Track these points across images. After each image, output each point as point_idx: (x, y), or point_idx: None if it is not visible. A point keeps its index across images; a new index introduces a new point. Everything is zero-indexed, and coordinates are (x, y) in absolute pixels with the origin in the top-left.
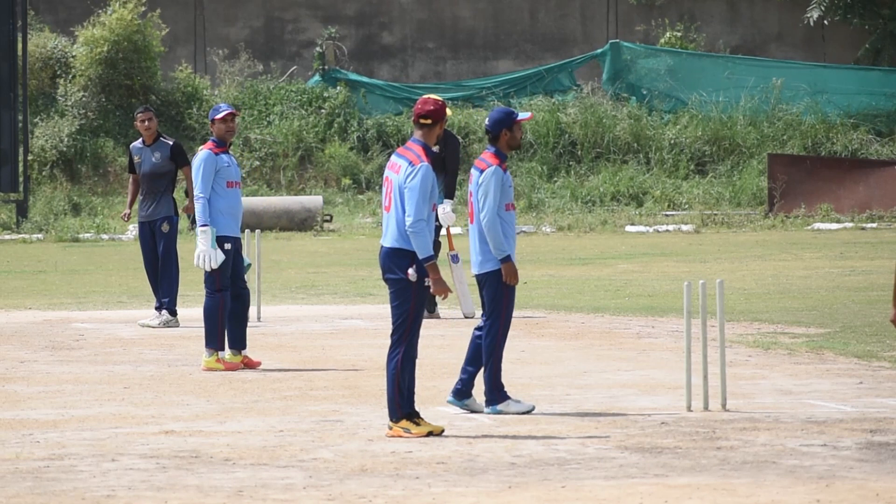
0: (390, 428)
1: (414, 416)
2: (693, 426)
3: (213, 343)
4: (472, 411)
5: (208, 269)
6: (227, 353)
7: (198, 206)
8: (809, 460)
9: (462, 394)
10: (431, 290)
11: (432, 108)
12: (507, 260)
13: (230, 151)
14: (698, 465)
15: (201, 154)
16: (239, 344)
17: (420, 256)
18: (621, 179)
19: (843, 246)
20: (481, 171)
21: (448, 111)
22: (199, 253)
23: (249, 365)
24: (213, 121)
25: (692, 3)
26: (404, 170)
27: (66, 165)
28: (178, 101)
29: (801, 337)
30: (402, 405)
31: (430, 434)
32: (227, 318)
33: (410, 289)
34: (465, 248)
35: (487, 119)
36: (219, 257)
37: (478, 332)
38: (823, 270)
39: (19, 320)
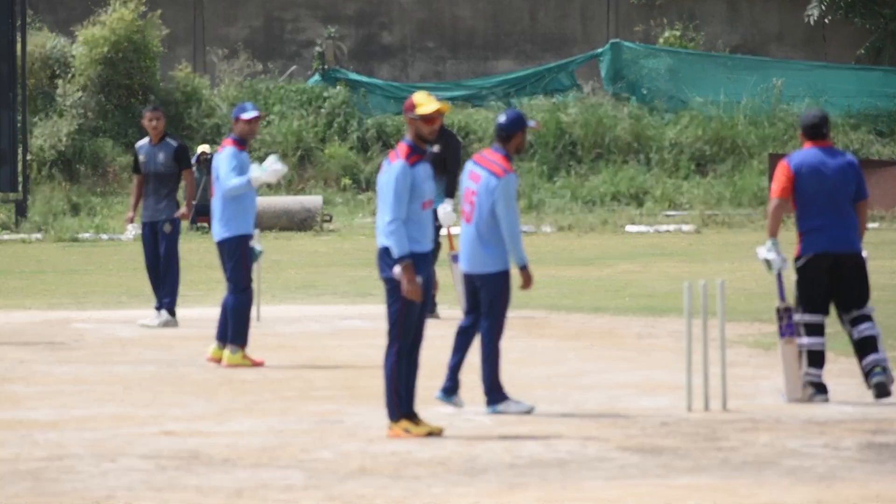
0: (390, 428)
1: (413, 417)
2: (693, 426)
3: (241, 339)
4: (458, 407)
5: (280, 175)
6: (212, 345)
7: (240, 181)
8: (810, 461)
9: (451, 391)
10: (402, 292)
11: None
12: (526, 267)
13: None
14: (699, 465)
15: (229, 149)
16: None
17: (394, 255)
18: (621, 179)
19: None
20: (495, 176)
21: (424, 103)
22: (268, 179)
23: (215, 360)
24: (237, 119)
25: (692, 2)
26: (383, 169)
27: (65, 165)
28: (177, 100)
29: None
30: (399, 405)
31: (430, 434)
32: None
33: (398, 287)
34: None
35: (504, 118)
36: (275, 167)
37: (462, 330)
38: None
39: (19, 320)
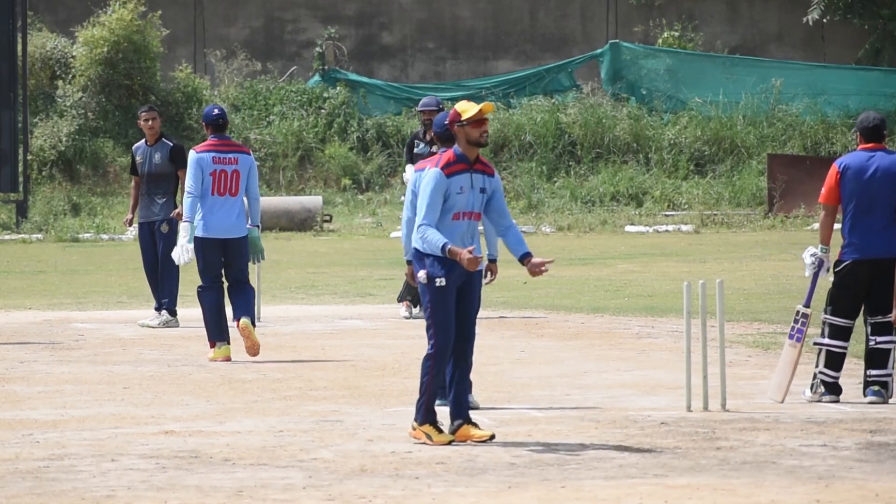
0: (414, 428)
1: (437, 423)
2: (693, 426)
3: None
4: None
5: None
6: (217, 347)
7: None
8: (809, 460)
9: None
10: (466, 266)
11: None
12: (496, 260)
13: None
14: (698, 465)
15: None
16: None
17: (439, 252)
18: (621, 179)
19: None
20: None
21: (468, 108)
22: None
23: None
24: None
25: (692, 3)
26: (423, 174)
27: (66, 165)
28: (177, 101)
29: None
30: (429, 410)
31: (451, 443)
32: (215, 311)
33: (426, 291)
34: None
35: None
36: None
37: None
38: None
39: (19, 320)
